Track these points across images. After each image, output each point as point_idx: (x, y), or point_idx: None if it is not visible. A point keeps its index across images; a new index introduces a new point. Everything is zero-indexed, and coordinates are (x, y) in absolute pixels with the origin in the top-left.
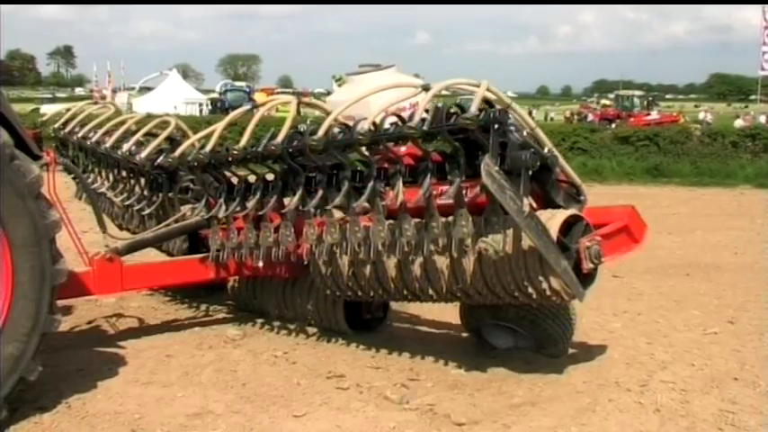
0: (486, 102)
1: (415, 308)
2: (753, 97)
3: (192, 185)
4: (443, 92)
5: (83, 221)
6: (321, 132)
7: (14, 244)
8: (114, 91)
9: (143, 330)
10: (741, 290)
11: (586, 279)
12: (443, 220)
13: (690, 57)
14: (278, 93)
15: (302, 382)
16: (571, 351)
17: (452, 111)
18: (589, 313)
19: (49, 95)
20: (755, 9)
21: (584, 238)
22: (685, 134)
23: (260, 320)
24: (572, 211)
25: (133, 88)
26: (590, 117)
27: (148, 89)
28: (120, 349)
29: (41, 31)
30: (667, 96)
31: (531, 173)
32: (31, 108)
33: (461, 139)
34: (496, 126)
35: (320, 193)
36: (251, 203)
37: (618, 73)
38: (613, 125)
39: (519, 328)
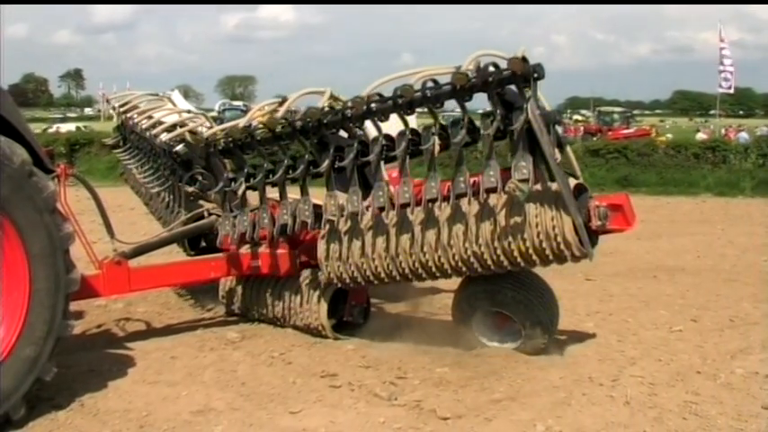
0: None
1: (401, 310)
2: (712, 112)
3: (201, 177)
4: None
5: (92, 232)
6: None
7: (32, 255)
8: None
9: (149, 333)
10: (703, 290)
11: (591, 240)
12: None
13: (654, 75)
14: None
15: (298, 381)
16: (547, 350)
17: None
18: (564, 314)
19: (61, 116)
20: (713, 31)
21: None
22: (652, 147)
23: (258, 324)
24: (581, 180)
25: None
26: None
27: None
28: (128, 351)
29: (53, 55)
30: (634, 112)
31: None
32: (44, 127)
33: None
34: (536, 75)
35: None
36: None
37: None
38: (594, 138)
39: (514, 314)
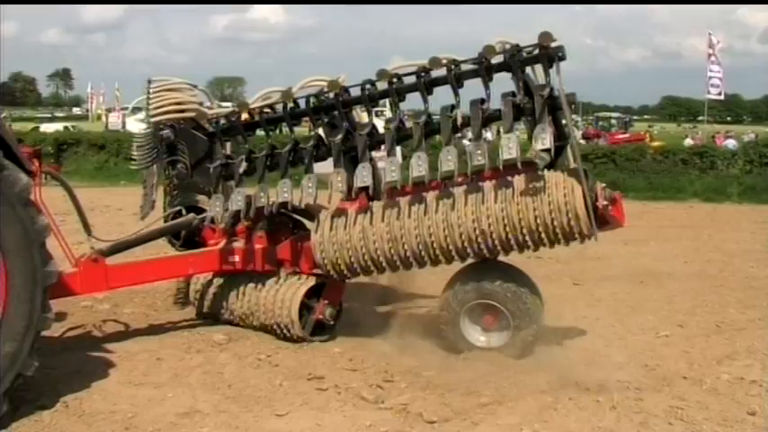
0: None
1: (389, 312)
2: (700, 118)
3: (183, 158)
4: None
5: (78, 233)
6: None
7: (7, 249)
8: (109, 110)
9: (135, 335)
10: (690, 296)
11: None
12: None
13: (643, 80)
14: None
15: (284, 384)
16: (535, 354)
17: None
18: (551, 319)
19: (49, 115)
20: (702, 37)
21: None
22: (640, 152)
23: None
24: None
25: (126, 108)
26: None
27: (140, 109)
28: (113, 352)
29: (42, 54)
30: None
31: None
32: (32, 127)
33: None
34: (560, 55)
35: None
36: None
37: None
38: (595, 142)
39: (503, 303)
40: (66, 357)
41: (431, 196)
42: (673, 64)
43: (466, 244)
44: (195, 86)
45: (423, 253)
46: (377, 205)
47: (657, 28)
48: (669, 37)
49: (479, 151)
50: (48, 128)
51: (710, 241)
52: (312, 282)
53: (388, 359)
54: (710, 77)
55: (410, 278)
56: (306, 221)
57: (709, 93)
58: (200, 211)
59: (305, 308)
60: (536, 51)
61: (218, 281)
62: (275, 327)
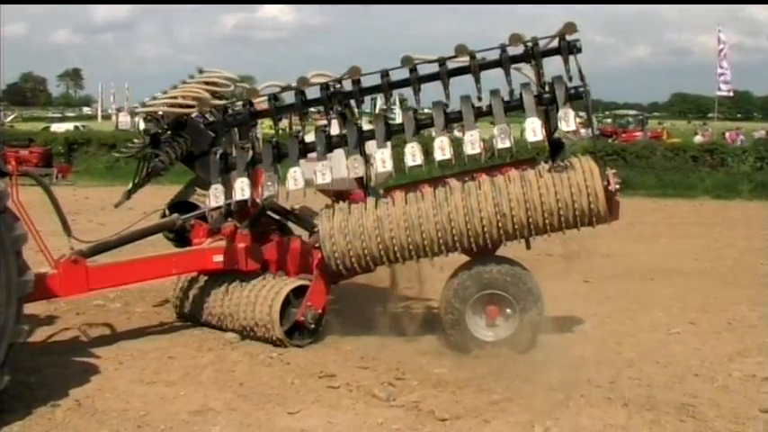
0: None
1: (400, 310)
2: (711, 115)
3: (168, 151)
4: None
5: (90, 231)
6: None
7: None
8: (119, 110)
9: (147, 333)
10: (701, 293)
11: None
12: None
13: (652, 77)
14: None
15: (296, 382)
16: (546, 351)
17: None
18: (562, 316)
19: (59, 115)
20: (711, 34)
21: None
22: (650, 149)
23: None
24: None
25: (136, 107)
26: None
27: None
28: (125, 351)
29: (52, 54)
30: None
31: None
32: (42, 126)
33: None
34: (578, 47)
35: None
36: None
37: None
38: (610, 140)
39: (504, 289)
40: (78, 356)
41: (451, 182)
42: (682, 61)
43: (486, 228)
44: (239, 81)
45: (441, 240)
46: (395, 194)
47: (667, 25)
48: (679, 34)
49: (503, 135)
50: (58, 127)
51: (721, 238)
52: (296, 283)
53: (400, 357)
54: (721, 74)
55: (421, 277)
56: (296, 226)
57: (719, 89)
58: (193, 208)
59: (287, 309)
60: (555, 43)
61: (199, 282)
62: (255, 327)
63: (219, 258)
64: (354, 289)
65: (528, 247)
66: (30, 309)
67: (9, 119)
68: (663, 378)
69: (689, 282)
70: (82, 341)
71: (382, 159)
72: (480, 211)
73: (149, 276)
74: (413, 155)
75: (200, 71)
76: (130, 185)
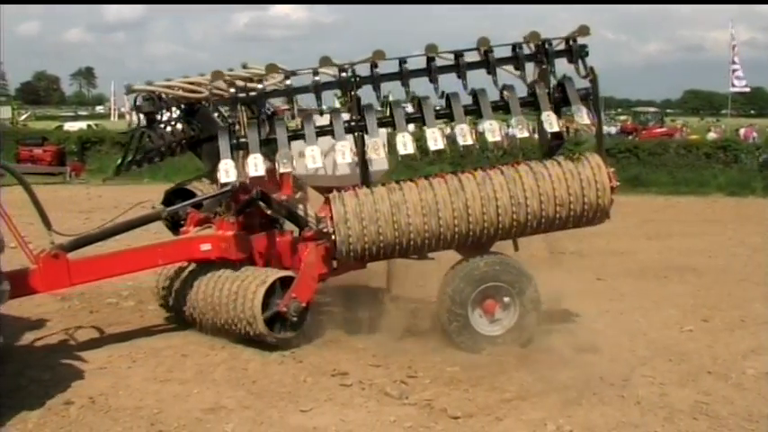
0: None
1: (411, 308)
2: (724, 111)
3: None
4: None
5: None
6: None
7: None
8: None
9: (160, 331)
10: (714, 291)
11: None
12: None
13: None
14: (284, 110)
15: (308, 380)
16: (558, 349)
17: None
18: (575, 313)
19: (72, 114)
20: (724, 30)
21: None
22: (663, 146)
23: None
24: None
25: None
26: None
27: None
28: (139, 349)
29: (65, 53)
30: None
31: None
32: (56, 125)
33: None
34: (586, 51)
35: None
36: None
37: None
38: (630, 137)
39: (496, 278)
40: (91, 354)
41: (469, 171)
42: (695, 57)
43: (501, 217)
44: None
45: (456, 228)
46: (413, 180)
47: (679, 21)
48: (691, 30)
49: (520, 126)
50: (72, 126)
51: (735, 236)
52: (280, 274)
53: (412, 355)
54: (734, 71)
55: (432, 276)
56: (284, 219)
57: (733, 85)
58: (191, 195)
59: (270, 302)
60: (566, 44)
61: (183, 273)
62: (236, 322)
63: (207, 247)
64: (360, 289)
65: (516, 248)
66: (43, 308)
67: (23, 117)
68: (676, 376)
69: (702, 279)
70: (96, 339)
71: (404, 143)
72: (497, 200)
73: (135, 268)
74: (434, 140)
75: (244, 66)
76: (119, 161)
